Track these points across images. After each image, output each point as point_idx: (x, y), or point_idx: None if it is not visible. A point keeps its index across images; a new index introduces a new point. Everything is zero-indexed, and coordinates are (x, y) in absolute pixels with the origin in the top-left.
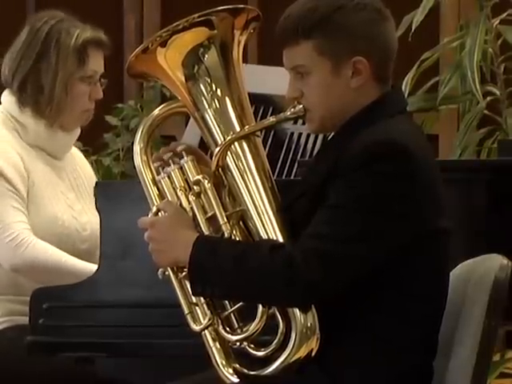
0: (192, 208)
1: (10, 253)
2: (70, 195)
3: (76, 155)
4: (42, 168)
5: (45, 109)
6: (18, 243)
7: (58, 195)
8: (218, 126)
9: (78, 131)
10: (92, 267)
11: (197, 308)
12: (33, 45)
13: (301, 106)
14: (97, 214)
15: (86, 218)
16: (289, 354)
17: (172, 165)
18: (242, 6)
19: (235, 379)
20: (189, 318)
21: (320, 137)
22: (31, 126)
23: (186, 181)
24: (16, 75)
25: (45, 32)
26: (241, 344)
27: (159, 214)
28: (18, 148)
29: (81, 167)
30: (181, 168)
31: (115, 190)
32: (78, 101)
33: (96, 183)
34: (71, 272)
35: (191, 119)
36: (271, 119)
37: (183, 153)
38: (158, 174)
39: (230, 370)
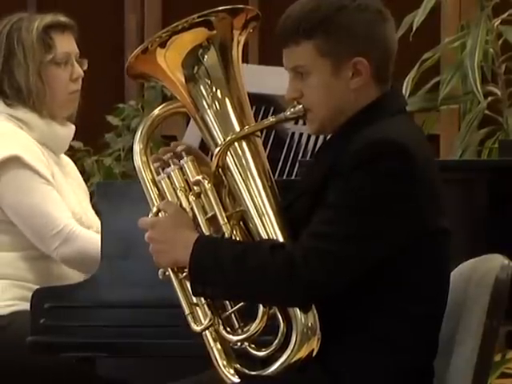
0: (192, 208)
1: (59, 246)
2: (77, 192)
3: (66, 159)
4: (53, 165)
5: (28, 102)
6: (67, 235)
7: (69, 190)
8: (218, 127)
9: (73, 127)
10: None
11: (197, 308)
12: None
13: (301, 106)
14: (95, 214)
15: (91, 215)
16: (290, 355)
17: (172, 165)
18: (240, 6)
19: (236, 379)
20: (189, 318)
21: (321, 137)
22: (33, 121)
23: (186, 181)
24: None
25: (5, 34)
26: (241, 344)
27: (159, 214)
28: (34, 142)
29: (72, 170)
30: (181, 168)
31: (116, 190)
32: (58, 85)
33: (96, 183)
34: None
35: (192, 119)
36: (271, 119)
37: (183, 153)
38: (158, 174)
39: (231, 371)
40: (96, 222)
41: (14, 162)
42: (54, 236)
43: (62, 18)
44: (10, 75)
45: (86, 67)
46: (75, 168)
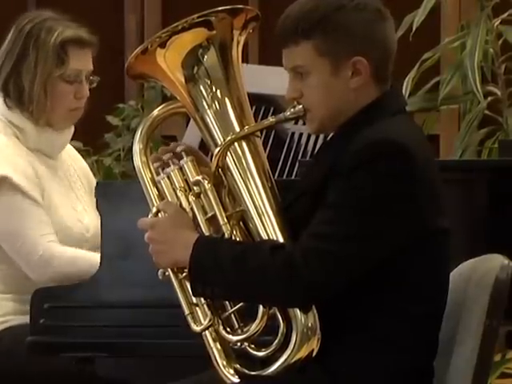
0: (192, 208)
1: (41, 270)
2: (71, 195)
3: (68, 150)
4: (46, 173)
5: (27, 107)
6: (46, 260)
7: (63, 200)
8: (218, 127)
9: (72, 130)
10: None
11: (197, 308)
12: (15, 44)
13: (300, 106)
14: (95, 210)
15: (88, 218)
16: (289, 355)
17: (172, 165)
18: (240, 6)
19: (236, 379)
20: (189, 318)
21: (321, 137)
22: (28, 129)
23: (186, 181)
24: (0, 78)
25: (26, 31)
26: (241, 344)
27: (159, 214)
28: (24, 154)
29: (74, 162)
30: (180, 168)
31: (115, 190)
32: (61, 100)
33: (96, 183)
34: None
35: (192, 119)
36: (271, 119)
37: (183, 153)
38: (158, 174)
39: (231, 371)
40: (94, 222)
41: (2, 183)
42: (34, 261)
43: (84, 35)
44: (17, 75)
45: (95, 85)
46: (77, 161)
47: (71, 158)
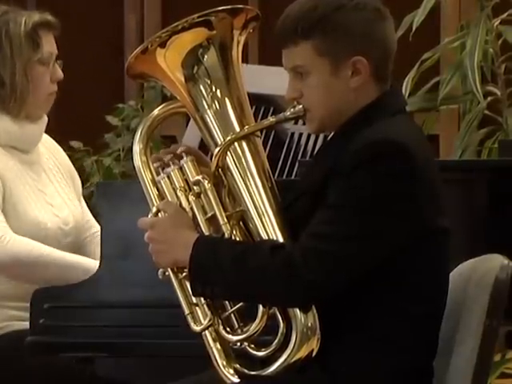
0: (192, 208)
1: None
2: (48, 190)
3: (45, 143)
4: (16, 168)
5: (8, 101)
6: None
7: (36, 194)
8: (218, 127)
9: (45, 120)
10: (78, 258)
11: (197, 308)
12: None
13: (300, 106)
14: (77, 202)
15: (67, 210)
16: (289, 355)
17: (172, 165)
18: (240, 6)
19: (236, 379)
20: (189, 318)
21: (320, 137)
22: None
23: (186, 181)
24: None
25: None
26: (241, 344)
27: (159, 214)
28: None
29: (53, 154)
30: (180, 168)
31: (115, 190)
32: (40, 85)
33: (96, 183)
34: (57, 264)
35: (191, 119)
36: (271, 119)
37: (183, 154)
38: (158, 174)
39: (231, 371)
40: (75, 213)
41: None
42: None
43: (49, 17)
44: None
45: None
46: (56, 153)
47: (49, 150)
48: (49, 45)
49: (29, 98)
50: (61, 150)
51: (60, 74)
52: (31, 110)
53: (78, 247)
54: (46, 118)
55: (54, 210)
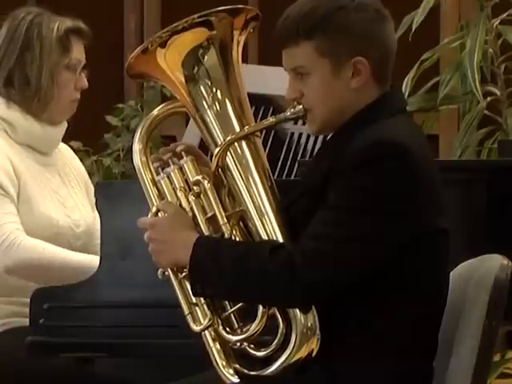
0: (192, 208)
1: (1, 255)
2: (62, 192)
3: (64, 150)
4: (32, 167)
5: (32, 102)
6: (9, 244)
7: (50, 194)
8: (218, 127)
9: (65, 125)
10: (90, 258)
11: (197, 308)
12: (14, 40)
13: (301, 106)
14: (89, 208)
15: (79, 214)
16: (289, 355)
17: (171, 165)
18: (240, 6)
19: (235, 379)
20: (189, 318)
21: (320, 137)
22: (20, 123)
23: (186, 181)
24: (0, 72)
25: (25, 26)
26: (241, 344)
27: (159, 214)
28: (7, 149)
29: (70, 161)
30: (180, 168)
31: (115, 190)
32: (65, 90)
33: (96, 183)
34: (70, 266)
35: (191, 119)
36: (271, 119)
37: (183, 153)
38: (158, 174)
39: (231, 371)
40: (87, 219)
41: None
42: None
43: (82, 25)
44: (22, 68)
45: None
46: (73, 160)
47: (68, 158)
48: (78, 52)
49: (53, 101)
50: (77, 159)
51: (85, 82)
52: (53, 115)
53: (89, 252)
54: (65, 124)
55: (66, 210)
